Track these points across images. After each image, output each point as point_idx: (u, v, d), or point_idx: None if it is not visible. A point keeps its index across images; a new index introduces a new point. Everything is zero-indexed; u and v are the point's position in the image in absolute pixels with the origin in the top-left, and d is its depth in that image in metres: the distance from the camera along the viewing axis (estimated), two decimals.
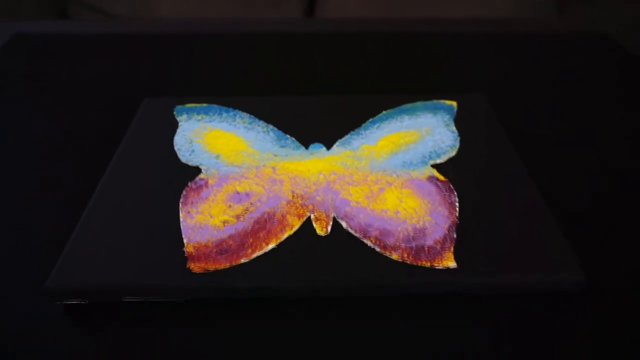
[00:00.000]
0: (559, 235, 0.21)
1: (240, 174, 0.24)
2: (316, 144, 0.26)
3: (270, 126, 0.28)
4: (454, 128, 0.28)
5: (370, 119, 0.28)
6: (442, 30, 0.43)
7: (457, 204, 0.23)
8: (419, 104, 0.30)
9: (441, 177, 0.24)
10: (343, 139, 0.27)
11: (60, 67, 0.37)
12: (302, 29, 0.43)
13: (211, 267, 0.20)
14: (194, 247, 0.21)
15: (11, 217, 0.24)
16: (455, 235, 0.21)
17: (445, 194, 0.23)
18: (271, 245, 0.21)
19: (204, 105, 0.30)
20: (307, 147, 0.26)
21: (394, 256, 0.20)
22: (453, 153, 0.26)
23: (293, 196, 0.23)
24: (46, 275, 0.20)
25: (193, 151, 0.26)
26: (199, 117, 0.29)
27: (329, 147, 0.26)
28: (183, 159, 0.25)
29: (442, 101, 0.30)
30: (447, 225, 0.22)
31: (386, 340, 0.19)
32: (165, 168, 0.25)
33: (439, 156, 0.26)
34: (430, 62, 0.39)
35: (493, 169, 0.25)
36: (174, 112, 0.29)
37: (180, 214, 0.22)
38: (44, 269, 0.20)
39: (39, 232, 0.23)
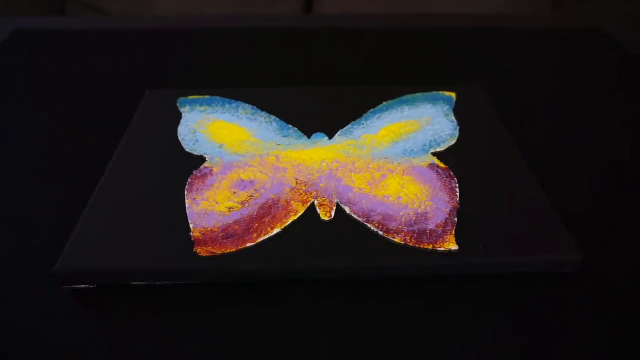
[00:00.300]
0: (556, 217, 0.22)
1: (245, 163, 0.25)
2: (318, 134, 0.27)
3: (273, 117, 0.28)
4: (453, 118, 0.28)
5: (371, 110, 0.29)
6: (440, 26, 0.44)
7: (457, 189, 0.23)
8: (419, 95, 0.30)
9: (442, 165, 0.25)
10: (345, 128, 0.27)
11: (61, 63, 0.38)
12: (301, 24, 0.43)
13: (218, 251, 0.20)
14: (201, 232, 0.21)
15: (17, 206, 0.25)
16: (456, 220, 0.22)
17: (445, 180, 0.24)
18: (276, 230, 0.21)
19: (207, 97, 0.30)
20: (309, 137, 0.27)
21: (397, 239, 0.21)
22: (453, 142, 0.27)
23: (297, 183, 0.24)
24: (54, 262, 0.20)
25: (197, 141, 0.26)
26: (202, 109, 0.29)
27: (330, 137, 0.27)
28: (187, 149, 0.26)
29: (441, 92, 0.31)
30: (448, 210, 0.22)
31: (390, 322, 0.19)
32: (169, 157, 0.25)
33: (439, 145, 0.26)
34: (427, 57, 0.39)
35: (491, 156, 0.25)
36: (177, 104, 0.29)
37: (186, 201, 0.22)
38: (52, 256, 0.20)
39: (45, 220, 0.24)
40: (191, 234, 0.21)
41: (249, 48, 0.40)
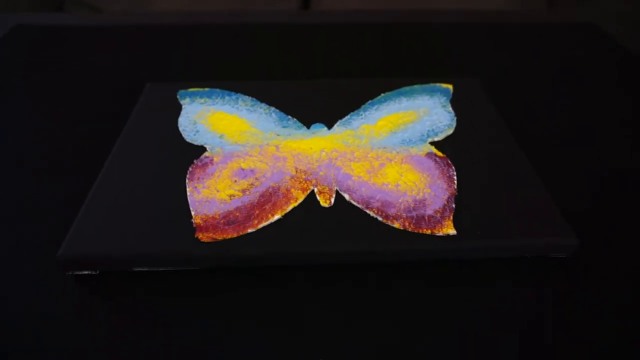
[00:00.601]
0: (551, 203, 0.22)
1: (245, 152, 0.25)
2: (317, 124, 0.27)
3: (272, 108, 0.29)
4: (450, 109, 0.29)
5: (369, 101, 0.29)
6: (438, 22, 0.44)
7: (455, 177, 0.24)
8: (416, 87, 0.31)
9: (439, 153, 0.25)
10: (343, 119, 0.28)
11: (61, 58, 0.38)
12: (300, 21, 0.44)
13: (219, 236, 0.20)
14: (202, 218, 0.21)
15: (19, 199, 0.25)
16: (454, 206, 0.22)
17: (443, 168, 0.24)
18: (277, 217, 0.21)
19: (207, 89, 0.30)
20: (308, 128, 0.27)
21: (396, 225, 0.21)
22: (450, 131, 0.27)
23: (297, 172, 0.24)
24: (57, 248, 0.20)
25: (197, 131, 0.27)
26: (202, 101, 0.29)
27: (329, 127, 0.27)
28: (188, 139, 0.26)
29: (438, 84, 0.31)
30: (446, 197, 0.22)
31: (389, 307, 0.19)
32: (170, 147, 0.25)
33: (436, 134, 0.27)
34: (425, 54, 0.40)
35: (488, 145, 0.26)
36: (178, 96, 0.30)
37: (187, 189, 0.23)
38: (55, 242, 0.21)
39: (47, 211, 0.24)
40: (192, 220, 0.21)
41: (248, 45, 0.40)
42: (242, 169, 0.24)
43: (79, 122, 0.30)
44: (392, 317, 0.19)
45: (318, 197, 0.22)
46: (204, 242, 0.20)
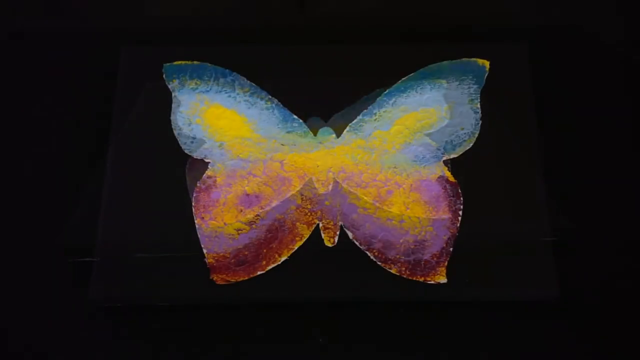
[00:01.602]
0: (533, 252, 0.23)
1: (248, 171, 0.24)
2: (325, 129, 0.25)
3: (275, 100, 0.25)
4: (478, 106, 0.25)
5: (385, 92, 0.25)
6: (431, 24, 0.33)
7: (460, 211, 0.24)
8: (445, 63, 0.26)
9: (451, 178, 0.24)
10: (354, 122, 0.25)
11: (58, 62, 0.31)
12: (297, 22, 0.34)
13: (232, 279, 0.23)
14: (214, 257, 0.23)
15: (22, 194, 0.26)
16: (451, 250, 0.23)
17: (451, 200, 0.24)
18: (283, 258, 0.23)
19: (196, 63, 0.26)
20: (311, 118, 0.25)
21: (393, 270, 0.23)
22: (470, 145, 0.25)
23: (302, 200, 0.24)
24: (57, 248, 0.23)
25: (194, 138, 0.24)
26: (193, 84, 0.25)
27: (337, 110, 0.25)
28: (186, 150, 0.24)
29: (473, 60, 0.26)
30: (446, 237, 0.23)
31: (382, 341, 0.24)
32: (169, 139, 0.24)
33: (454, 149, 0.24)
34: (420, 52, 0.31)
35: (501, 166, 0.24)
36: (164, 74, 0.25)
37: (195, 221, 0.23)
38: (55, 242, 0.23)
39: (48, 207, 0.25)
40: (205, 259, 0.23)
41: (245, 47, 0.32)
42: (247, 195, 0.24)
43: (77, 123, 0.28)
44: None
45: (322, 234, 0.23)
46: (218, 284, 0.23)
